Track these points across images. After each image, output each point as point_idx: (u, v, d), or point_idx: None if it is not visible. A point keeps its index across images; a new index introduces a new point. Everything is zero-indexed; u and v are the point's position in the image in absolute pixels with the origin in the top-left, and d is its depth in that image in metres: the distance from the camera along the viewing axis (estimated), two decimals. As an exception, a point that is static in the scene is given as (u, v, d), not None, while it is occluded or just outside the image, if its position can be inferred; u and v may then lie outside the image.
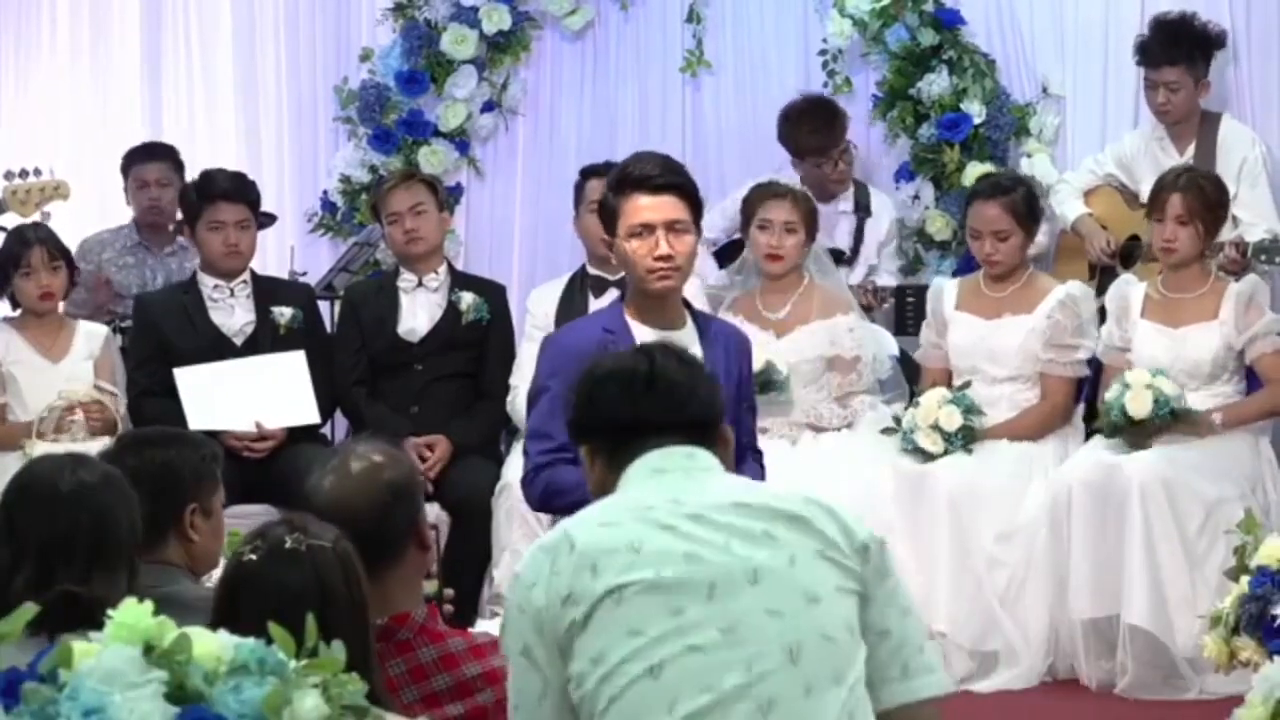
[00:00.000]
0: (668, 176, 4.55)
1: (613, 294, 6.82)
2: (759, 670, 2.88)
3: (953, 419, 6.35)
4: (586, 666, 2.92)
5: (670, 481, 3.07)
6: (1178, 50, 6.90)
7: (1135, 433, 6.16)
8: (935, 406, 6.38)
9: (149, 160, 7.57)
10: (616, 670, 2.89)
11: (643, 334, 4.46)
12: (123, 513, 3.36)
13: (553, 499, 4.43)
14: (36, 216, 6.81)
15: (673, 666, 2.88)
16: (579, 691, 2.93)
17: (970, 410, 6.38)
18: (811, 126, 7.29)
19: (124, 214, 7.67)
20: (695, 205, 4.57)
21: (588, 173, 6.93)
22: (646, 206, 4.49)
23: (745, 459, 4.59)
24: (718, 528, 2.97)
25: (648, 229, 4.48)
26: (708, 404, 3.20)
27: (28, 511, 3.34)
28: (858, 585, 3.00)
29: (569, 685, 2.95)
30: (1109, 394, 6.21)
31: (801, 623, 2.91)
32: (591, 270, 6.91)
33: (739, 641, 2.89)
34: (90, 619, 2.73)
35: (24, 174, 6.89)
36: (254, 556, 3.16)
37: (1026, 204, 6.56)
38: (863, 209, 7.45)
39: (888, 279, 7.40)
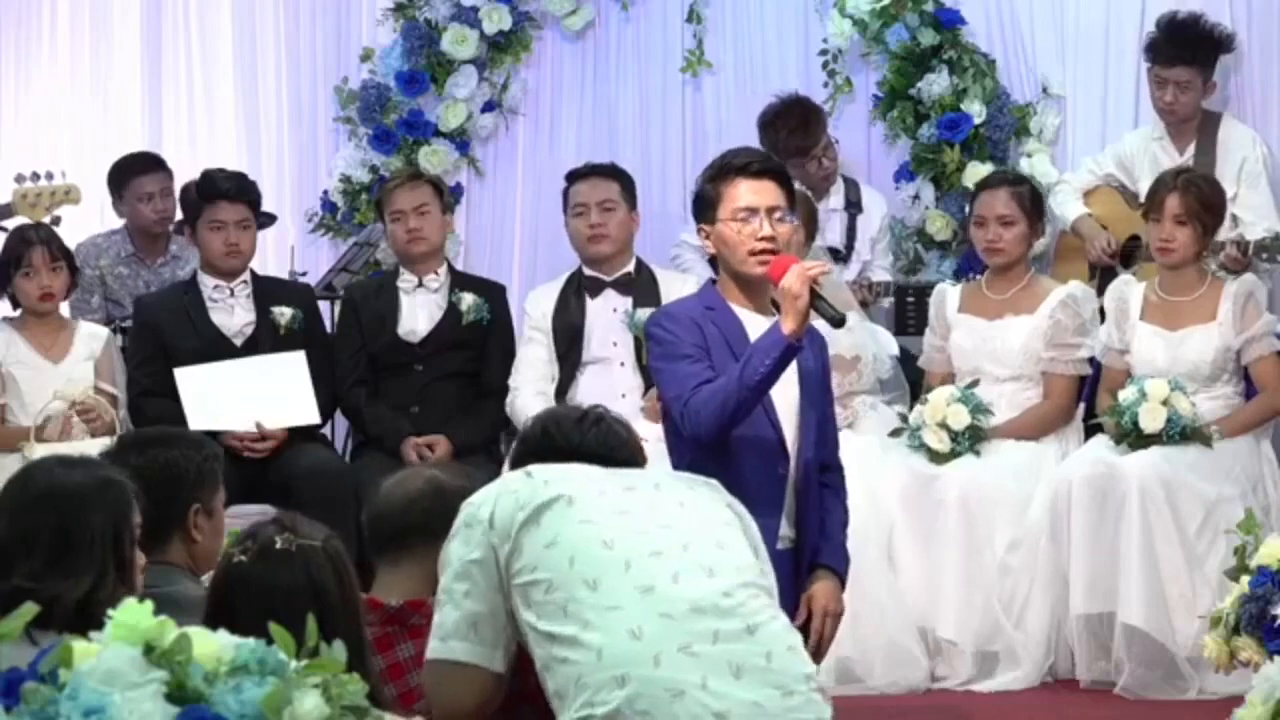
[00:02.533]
0: (767, 163, 4.74)
1: (609, 294, 6.84)
2: (691, 545, 3.53)
3: (960, 417, 6.35)
4: (539, 551, 3.47)
5: (597, 469, 3.74)
6: (1190, 50, 6.91)
7: (1139, 439, 6.18)
8: (943, 404, 6.37)
9: (148, 171, 7.57)
10: (571, 545, 3.46)
11: (740, 314, 4.63)
12: (101, 515, 3.32)
13: (712, 400, 4.47)
14: (46, 221, 6.80)
15: (622, 542, 3.48)
16: (531, 575, 3.46)
17: (978, 409, 6.38)
18: (788, 128, 7.29)
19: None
20: (792, 195, 4.74)
21: (572, 176, 6.94)
22: (749, 191, 4.63)
23: (831, 468, 4.75)
24: (648, 478, 3.74)
25: (751, 212, 4.61)
26: (636, 453, 3.87)
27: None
28: (745, 535, 3.71)
29: (516, 575, 3.48)
30: (1124, 395, 6.20)
31: (716, 529, 3.62)
32: (587, 272, 6.91)
33: (675, 534, 3.54)
34: (47, 616, 2.78)
35: (35, 177, 6.87)
36: (244, 558, 3.16)
37: (1033, 198, 6.61)
38: (853, 205, 7.46)
39: (882, 274, 7.41)
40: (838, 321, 4.52)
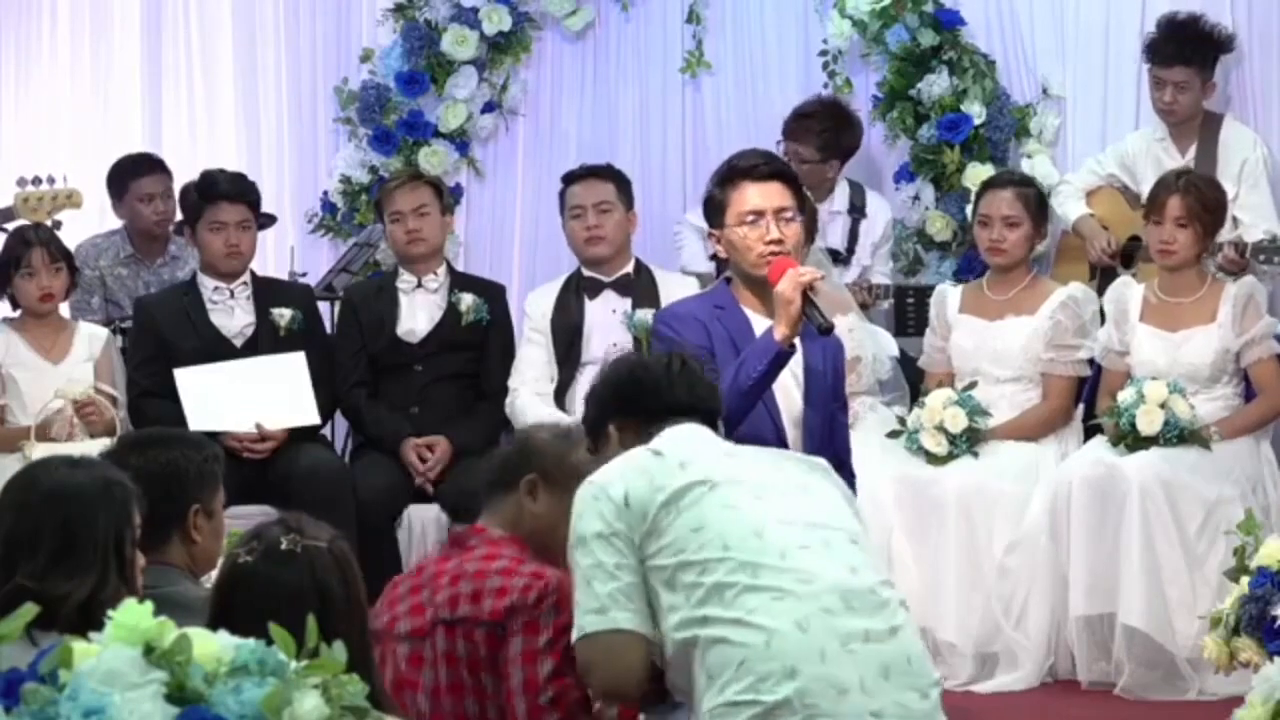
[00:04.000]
0: (773, 165, 4.77)
1: (608, 295, 6.84)
2: (831, 541, 3.58)
3: (958, 420, 6.35)
4: (685, 534, 3.52)
5: (708, 436, 3.81)
6: (1189, 50, 6.90)
7: (1137, 441, 6.18)
8: (940, 408, 6.38)
9: (148, 173, 7.56)
10: (722, 532, 3.50)
11: (749, 316, 4.66)
12: (104, 515, 3.32)
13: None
14: (47, 224, 6.80)
15: (772, 532, 3.52)
16: (676, 558, 3.50)
17: (975, 412, 6.39)
18: (820, 128, 7.31)
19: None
20: (800, 196, 4.75)
21: (568, 178, 6.95)
22: (756, 194, 4.67)
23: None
24: (767, 457, 3.79)
25: (758, 215, 4.65)
26: (717, 396, 3.93)
27: (3, 507, 3.35)
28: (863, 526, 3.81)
29: (654, 556, 3.53)
30: (1122, 396, 6.20)
31: (847, 523, 3.68)
32: (586, 272, 6.91)
33: (816, 528, 3.58)
34: (49, 616, 2.83)
35: (36, 181, 6.87)
36: (249, 558, 3.16)
37: (1039, 200, 6.64)
38: (857, 210, 7.45)
39: (881, 279, 7.41)
40: (825, 330, 4.53)
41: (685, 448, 3.68)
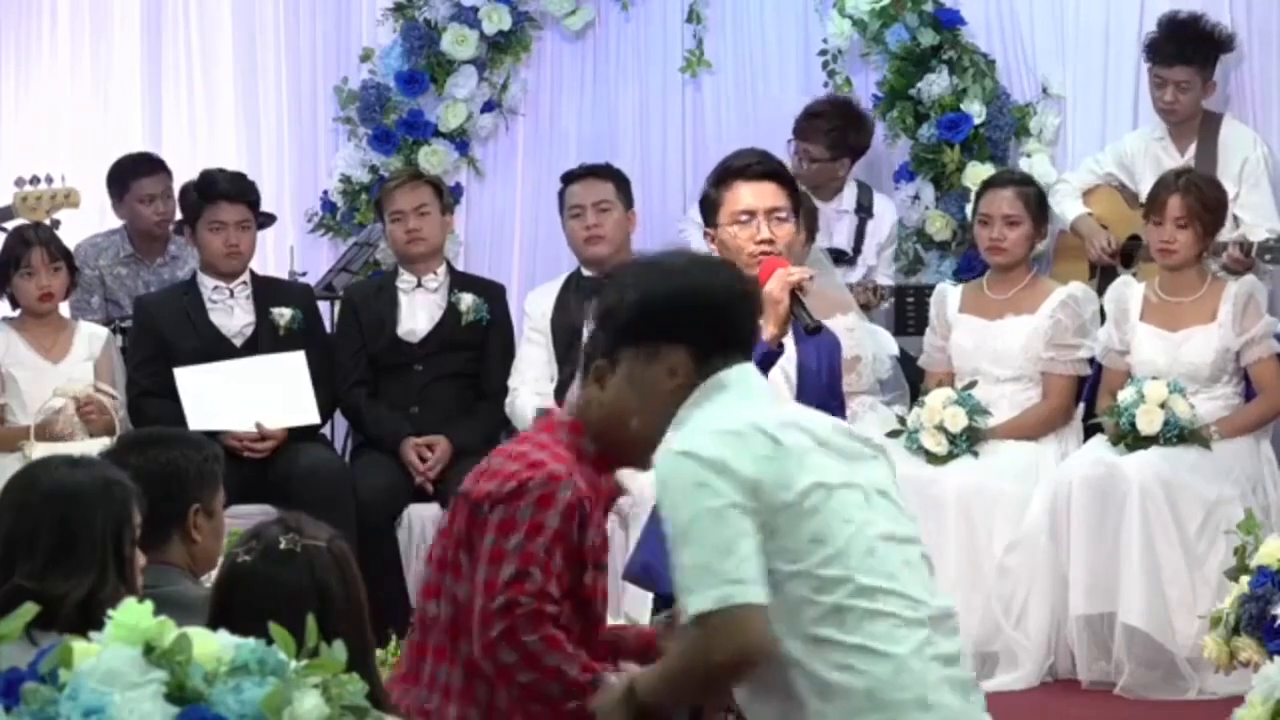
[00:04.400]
0: (767, 165, 4.75)
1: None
2: (911, 560, 3.40)
3: (958, 420, 6.36)
4: (805, 544, 3.28)
5: (772, 402, 3.52)
6: (1190, 49, 6.91)
7: (1137, 440, 6.19)
8: (940, 407, 6.38)
9: (148, 173, 7.55)
10: (842, 549, 3.29)
11: None
12: (103, 514, 3.32)
13: None
14: (46, 224, 6.80)
15: (882, 550, 3.34)
16: (793, 566, 3.27)
17: (975, 411, 6.39)
18: (829, 127, 7.33)
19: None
20: (794, 195, 4.74)
21: (567, 178, 6.95)
22: (748, 193, 4.66)
23: None
24: (848, 451, 3.43)
25: (749, 215, 4.64)
26: (757, 319, 3.61)
27: (2, 507, 3.35)
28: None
29: (769, 556, 3.26)
30: (1122, 396, 6.21)
31: (918, 532, 3.49)
32: (586, 272, 6.92)
33: (906, 544, 3.41)
34: (49, 616, 2.84)
35: (35, 180, 6.88)
36: (248, 558, 3.16)
37: (1039, 200, 6.66)
38: (864, 210, 7.45)
39: (885, 280, 7.41)
40: (812, 330, 4.53)
41: (796, 434, 3.36)
